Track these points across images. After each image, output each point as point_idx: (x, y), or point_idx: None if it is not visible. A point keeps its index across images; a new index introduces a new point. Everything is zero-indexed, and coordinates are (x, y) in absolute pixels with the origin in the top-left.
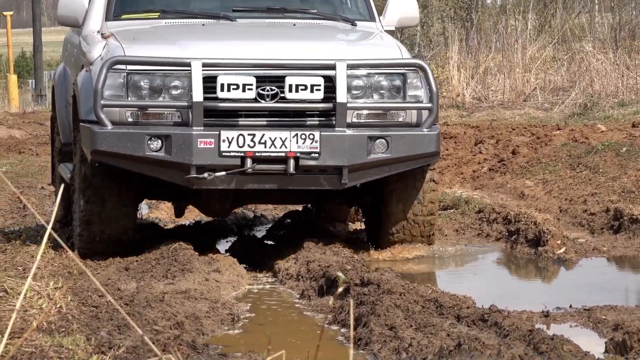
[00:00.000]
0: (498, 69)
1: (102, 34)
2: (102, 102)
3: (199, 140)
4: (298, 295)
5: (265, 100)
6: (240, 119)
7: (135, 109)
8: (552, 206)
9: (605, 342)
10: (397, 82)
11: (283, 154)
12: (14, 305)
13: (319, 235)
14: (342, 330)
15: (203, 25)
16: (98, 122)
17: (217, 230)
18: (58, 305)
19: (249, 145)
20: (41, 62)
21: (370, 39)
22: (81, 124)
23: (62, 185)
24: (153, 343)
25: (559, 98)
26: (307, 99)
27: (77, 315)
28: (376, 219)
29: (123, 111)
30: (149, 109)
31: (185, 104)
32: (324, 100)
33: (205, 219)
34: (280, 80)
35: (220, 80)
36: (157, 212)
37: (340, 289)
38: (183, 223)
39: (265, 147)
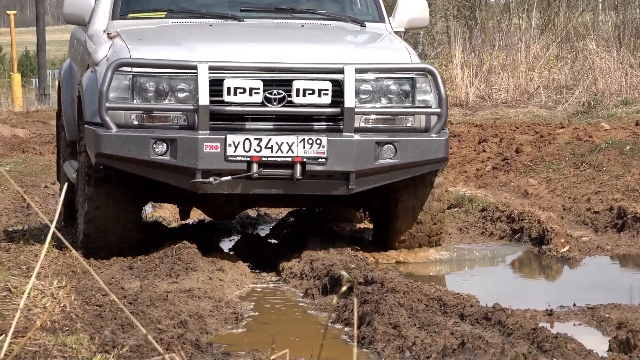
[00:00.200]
0: (502, 68)
1: (108, 33)
2: (107, 104)
3: (204, 144)
4: (302, 294)
5: (272, 104)
6: (246, 123)
7: (141, 111)
8: (555, 204)
9: (609, 341)
10: (406, 87)
11: (290, 159)
12: (18, 305)
13: (323, 234)
14: (346, 329)
15: (210, 25)
16: (103, 124)
17: (220, 229)
18: (62, 305)
19: (255, 149)
20: (45, 61)
21: (379, 41)
22: (86, 126)
23: (65, 185)
24: (157, 342)
25: (562, 96)
26: (314, 103)
27: (81, 314)
28: (383, 222)
29: (128, 114)
30: (155, 112)
31: (191, 107)
32: (331, 105)
33: (208, 218)
34: (287, 84)
35: (227, 83)
36: (160, 211)
37: (344, 288)
38: (186, 222)
39: (271, 151)
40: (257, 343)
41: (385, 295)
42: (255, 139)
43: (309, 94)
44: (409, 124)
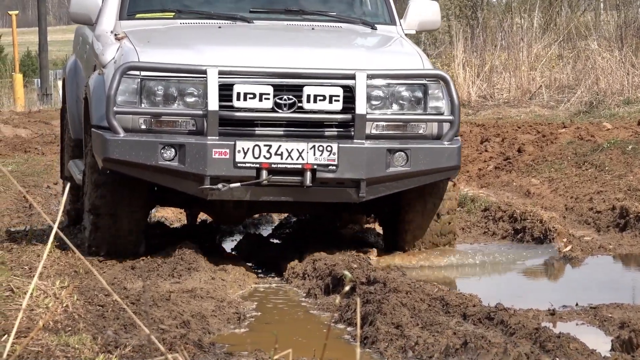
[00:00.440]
0: (504, 67)
1: (115, 34)
2: (115, 108)
3: (213, 150)
4: (304, 294)
5: (282, 110)
6: (256, 129)
7: (149, 116)
8: (558, 204)
9: (612, 340)
10: (418, 93)
11: (300, 166)
12: (21, 305)
13: (325, 234)
14: (349, 328)
15: (219, 27)
16: (110, 128)
17: (222, 230)
18: (64, 305)
19: (264, 156)
20: (47, 62)
21: (391, 45)
22: (93, 129)
23: (68, 185)
24: (159, 342)
25: (564, 96)
26: (325, 109)
27: (84, 315)
28: (393, 228)
29: (136, 118)
30: (163, 117)
31: (200, 112)
32: (342, 112)
33: (208, 217)
34: (298, 89)
35: (237, 89)
36: (163, 211)
37: (346, 288)
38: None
39: (281, 158)
40: (260, 343)
41: (388, 295)
42: (265, 145)
43: (319, 100)
44: (420, 131)
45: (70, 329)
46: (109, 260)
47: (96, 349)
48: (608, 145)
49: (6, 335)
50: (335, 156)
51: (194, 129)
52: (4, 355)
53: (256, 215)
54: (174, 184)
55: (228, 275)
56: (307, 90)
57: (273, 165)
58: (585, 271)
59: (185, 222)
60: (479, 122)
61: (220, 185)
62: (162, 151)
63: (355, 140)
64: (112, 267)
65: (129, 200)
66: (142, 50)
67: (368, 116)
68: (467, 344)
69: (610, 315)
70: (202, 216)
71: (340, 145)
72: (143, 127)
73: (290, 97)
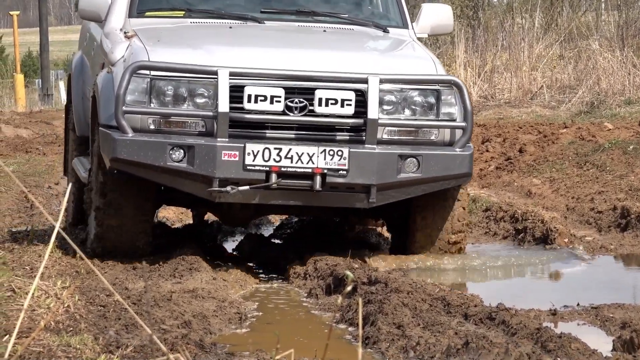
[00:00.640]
0: (505, 68)
1: (125, 32)
2: (124, 108)
3: (223, 152)
4: (306, 294)
5: (293, 113)
6: (266, 132)
7: (158, 116)
8: (559, 204)
9: (613, 340)
10: (431, 99)
11: (310, 170)
12: (22, 305)
13: (327, 234)
14: (350, 329)
15: (230, 27)
16: (118, 128)
17: (224, 230)
18: (66, 305)
19: (274, 159)
20: (48, 62)
21: (403, 49)
22: (101, 128)
23: (70, 185)
24: (161, 342)
25: (565, 96)
26: (336, 113)
27: (85, 315)
28: (402, 235)
29: (145, 118)
30: (172, 117)
31: (210, 113)
32: (354, 116)
33: (212, 217)
34: (309, 92)
35: (248, 90)
36: (164, 211)
37: (348, 288)
38: (190, 222)
39: (291, 162)
40: (261, 343)
41: (389, 295)
42: (275, 148)
43: (331, 103)
44: (432, 137)
45: (71, 329)
46: (110, 260)
47: (98, 349)
48: (609, 145)
49: (7, 336)
50: (346, 161)
51: (204, 130)
52: (6, 356)
53: None
54: (182, 186)
55: (229, 276)
56: (318, 94)
57: (283, 169)
58: (586, 271)
59: (186, 222)
60: (480, 122)
61: (229, 188)
62: (170, 152)
63: (366, 145)
64: (114, 268)
65: (135, 200)
66: (152, 50)
67: (380, 121)
68: (469, 344)
69: (611, 315)
70: (206, 216)
71: (351, 149)
72: (152, 127)
73: (302, 100)
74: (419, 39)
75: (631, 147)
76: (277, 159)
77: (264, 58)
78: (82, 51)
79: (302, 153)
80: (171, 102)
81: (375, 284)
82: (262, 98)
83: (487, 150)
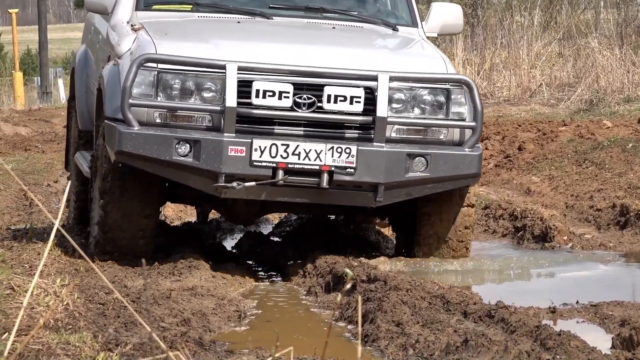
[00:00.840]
0: (504, 66)
1: (132, 25)
2: (130, 100)
3: (229, 147)
4: (305, 292)
5: (301, 110)
6: (274, 128)
7: (165, 110)
8: (558, 202)
9: (612, 338)
10: (441, 98)
11: (317, 167)
12: (21, 303)
13: (326, 232)
14: (349, 326)
15: (238, 22)
16: (124, 121)
17: (223, 228)
18: (65, 303)
19: (281, 155)
20: (47, 60)
21: (413, 48)
22: (106, 121)
23: (69, 183)
24: (160, 340)
25: (564, 94)
26: (345, 110)
27: (84, 313)
28: (407, 234)
29: (151, 111)
30: (179, 111)
31: (218, 108)
32: (363, 113)
33: (211, 215)
34: (318, 89)
35: (256, 86)
36: (163, 209)
37: (347, 286)
38: (189, 220)
39: (298, 158)
40: (261, 341)
41: (389, 293)
42: (282, 144)
43: (340, 100)
44: (441, 137)
45: (70, 327)
46: (109, 258)
47: (97, 347)
48: (608, 143)
49: (7, 334)
50: (354, 159)
51: (210, 125)
52: (5, 354)
53: None
54: (188, 181)
55: (228, 273)
56: (327, 90)
57: (290, 166)
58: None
59: (185, 220)
60: None
61: (234, 184)
62: (176, 146)
63: (374, 143)
64: (113, 265)
65: (140, 196)
66: (159, 42)
67: (389, 119)
68: (468, 341)
69: (610, 313)
70: (207, 214)
71: (359, 147)
72: (158, 120)
73: (310, 96)
74: (429, 38)
75: (630, 144)
76: (284, 155)
77: (273, 53)
78: (86, 45)
79: (310, 150)
80: (178, 95)
81: (374, 281)
82: (271, 93)
83: (487, 148)
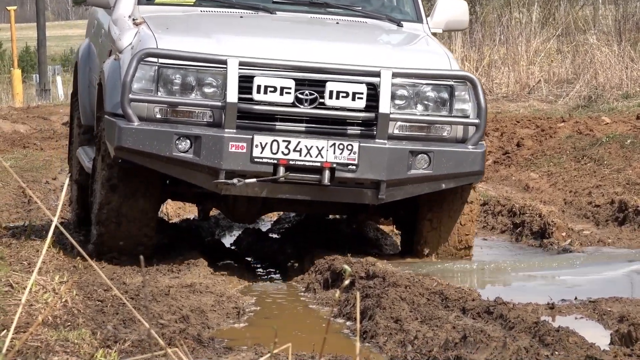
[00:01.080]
0: (502, 62)
1: (133, 19)
2: (131, 95)
3: (230, 143)
4: (303, 289)
5: (303, 106)
6: (275, 124)
7: (165, 105)
8: (556, 198)
9: (611, 334)
10: (444, 94)
11: (318, 164)
12: (20, 300)
13: (325, 229)
14: (348, 323)
15: (241, 17)
16: (124, 116)
17: (222, 224)
18: (63, 300)
19: (283, 152)
20: (45, 57)
21: (417, 44)
22: (106, 116)
23: (67, 180)
24: (159, 337)
25: (563, 90)
26: (347, 107)
27: (83, 310)
28: (409, 232)
29: (152, 107)
30: (180, 107)
31: (219, 103)
32: (365, 110)
33: (211, 212)
34: (320, 85)
35: (257, 81)
36: (162, 206)
37: (346, 282)
38: (188, 217)
39: (300, 155)
40: (259, 337)
41: (387, 290)
42: (283, 140)
43: (342, 96)
44: (444, 134)
45: (69, 324)
46: (109, 255)
47: (95, 343)
48: (607, 139)
49: (5, 331)
50: (356, 155)
51: (211, 120)
52: (3, 350)
53: None
54: (188, 177)
55: (227, 270)
56: (329, 86)
57: (291, 162)
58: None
59: (184, 217)
60: None
61: (235, 180)
62: (177, 142)
63: (377, 140)
64: (111, 262)
65: (141, 193)
66: (160, 37)
67: (391, 116)
68: (467, 338)
69: (609, 309)
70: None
71: (361, 144)
72: (158, 116)
73: (312, 92)
74: (433, 34)
75: (628, 141)
76: (286, 151)
77: (275, 48)
78: (89, 39)
79: (312, 146)
80: (179, 91)
81: (373, 278)
82: (272, 89)
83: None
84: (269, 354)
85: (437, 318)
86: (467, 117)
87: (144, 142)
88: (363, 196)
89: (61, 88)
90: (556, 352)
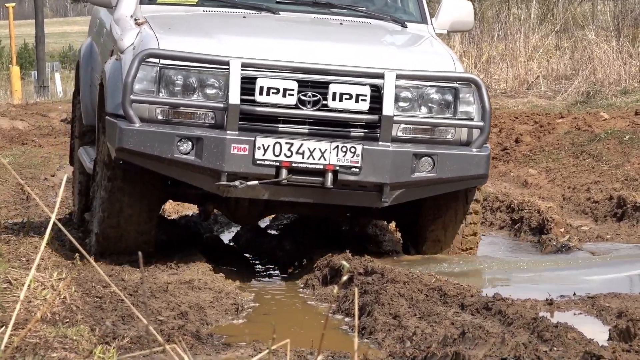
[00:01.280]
0: (501, 58)
1: (135, 19)
2: (132, 96)
3: (232, 145)
4: (302, 285)
5: (306, 107)
6: (278, 126)
7: (167, 106)
8: (555, 194)
9: (609, 330)
10: (448, 97)
11: (321, 167)
12: (18, 296)
13: (323, 225)
14: (346, 319)
15: (244, 17)
16: (125, 117)
17: (220, 221)
18: (62, 296)
19: (285, 154)
20: (43, 54)
21: (421, 45)
22: (107, 117)
23: (65, 176)
24: (157, 333)
25: (562, 86)
26: (351, 109)
27: (81, 306)
28: (413, 236)
29: (153, 108)
30: (181, 108)
31: (221, 105)
32: (369, 112)
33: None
34: (323, 86)
35: (260, 83)
36: None
37: (344, 278)
38: (186, 213)
39: (302, 157)
40: (258, 334)
41: (386, 286)
42: (286, 143)
43: (345, 98)
44: (448, 137)
45: (68, 320)
46: (108, 254)
47: (94, 340)
48: (605, 135)
49: (4, 327)
50: (359, 158)
51: (213, 122)
52: (2, 347)
53: None
54: (189, 179)
55: (226, 267)
56: (333, 88)
57: (293, 165)
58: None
59: (183, 213)
60: None
61: (237, 183)
62: (178, 144)
63: (380, 143)
64: (109, 259)
65: (142, 193)
66: (162, 37)
67: (395, 118)
68: (465, 334)
69: (607, 304)
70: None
71: (364, 147)
72: (160, 117)
73: (315, 94)
74: (438, 35)
75: (627, 136)
76: (288, 154)
77: (278, 49)
78: (91, 38)
79: (314, 149)
80: (180, 92)
81: (371, 274)
82: (275, 91)
83: None
84: (267, 350)
85: (436, 314)
86: (472, 119)
87: (145, 143)
88: (366, 199)
89: (60, 85)
90: (555, 348)
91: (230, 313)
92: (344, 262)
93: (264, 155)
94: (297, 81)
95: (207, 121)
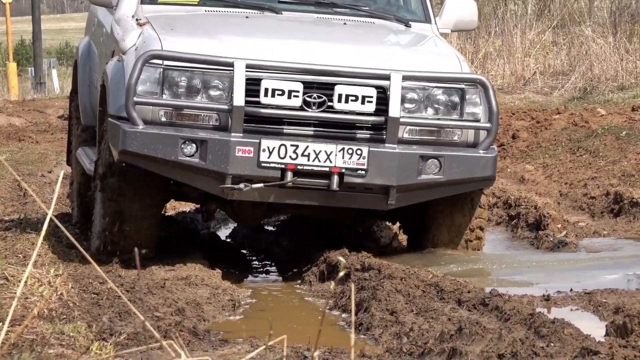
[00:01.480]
0: (498, 54)
1: (137, 19)
2: (135, 98)
3: (237, 147)
4: (299, 281)
5: (311, 109)
6: (283, 128)
7: (170, 108)
8: (552, 190)
9: (606, 325)
10: (455, 98)
11: (327, 169)
12: (15, 293)
13: (320, 222)
14: (343, 315)
15: (247, 17)
16: (129, 119)
17: (217, 217)
18: (59, 293)
19: (290, 156)
20: (40, 50)
21: (427, 45)
22: (110, 119)
23: (62, 173)
24: (154, 329)
25: (558, 82)
26: (357, 110)
27: (78, 302)
28: (418, 237)
29: (157, 110)
30: (185, 110)
31: (225, 107)
32: (375, 113)
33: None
34: (329, 88)
35: (265, 84)
36: None
37: (341, 274)
38: (183, 210)
39: (308, 160)
40: (255, 330)
41: (383, 282)
42: (291, 145)
43: (351, 100)
44: (455, 138)
45: (65, 316)
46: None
47: (91, 336)
48: (602, 131)
49: (1, 324)
50: (365, 160)
51: (217, 124)
52: None
53: None
54: (193, 181)
55: (223, 263)
56: (338, 90)
57: (299, 167)
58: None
59: (179, 209)
60: None
61: (242, 185)
62: (182, 146)
63: (386, 145)
64: (106, 256)
65: (144, 195)
66: (165, 38)
67: (401, 120)
68: (462, 329)
69: (604, 300)
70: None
71: (370, 149)
72: (163, 119)
73: (321, 95)
74: (442, 34)
75: (624, 132)
76: (294, 156)
77: (283, 50)
78: (89, 37)
79: (320, 151)
80: (184, 93)
81: (368, 270)
82: (280, 92)
83: None
84: (264, 347)
85: (433, 310)
86: (478, 120)
87: (149, 146)
88: (372, 202)
89: (56, 81)
90: (551, 344)
91: (227, 309)
92: (341, 258)
93: (269, 157)
94: (302, 82)
95: (211, 123)
